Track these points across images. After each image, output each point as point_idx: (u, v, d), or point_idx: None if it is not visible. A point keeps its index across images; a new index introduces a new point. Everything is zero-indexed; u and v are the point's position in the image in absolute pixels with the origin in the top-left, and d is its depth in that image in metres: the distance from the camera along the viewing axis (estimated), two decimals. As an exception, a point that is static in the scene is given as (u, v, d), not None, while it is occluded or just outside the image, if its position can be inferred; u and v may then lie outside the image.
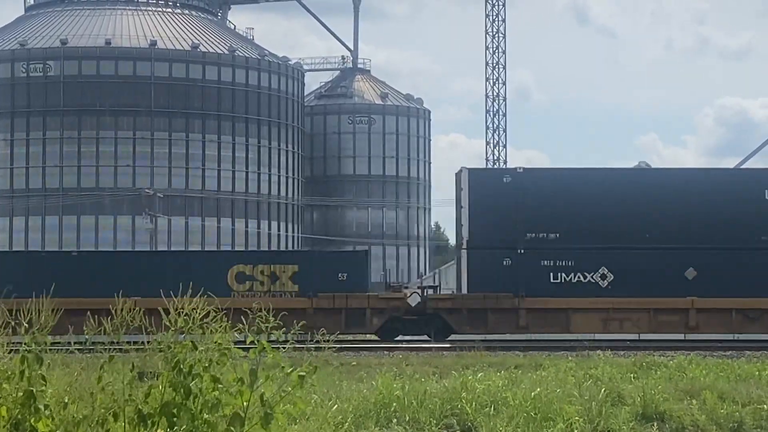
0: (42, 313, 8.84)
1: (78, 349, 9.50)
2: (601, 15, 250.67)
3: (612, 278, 36.48)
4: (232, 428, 8.46)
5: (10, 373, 8.57)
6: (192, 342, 8.58)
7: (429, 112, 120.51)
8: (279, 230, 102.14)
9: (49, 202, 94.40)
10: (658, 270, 36.41)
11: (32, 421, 8.60)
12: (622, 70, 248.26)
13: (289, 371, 8.67)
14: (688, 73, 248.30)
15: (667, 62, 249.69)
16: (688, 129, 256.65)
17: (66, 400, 8.67)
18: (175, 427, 8.61)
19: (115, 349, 8.89)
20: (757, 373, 24.04)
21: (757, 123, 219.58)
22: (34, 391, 8.58)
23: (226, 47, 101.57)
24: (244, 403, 8.56)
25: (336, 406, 18.12)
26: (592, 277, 36.45)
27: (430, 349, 31.90)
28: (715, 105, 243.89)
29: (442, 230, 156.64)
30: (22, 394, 8.57)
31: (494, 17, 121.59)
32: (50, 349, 9.02)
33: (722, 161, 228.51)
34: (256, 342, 8.80)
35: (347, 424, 17.24)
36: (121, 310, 8.77)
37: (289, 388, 8.66)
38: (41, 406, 8.61)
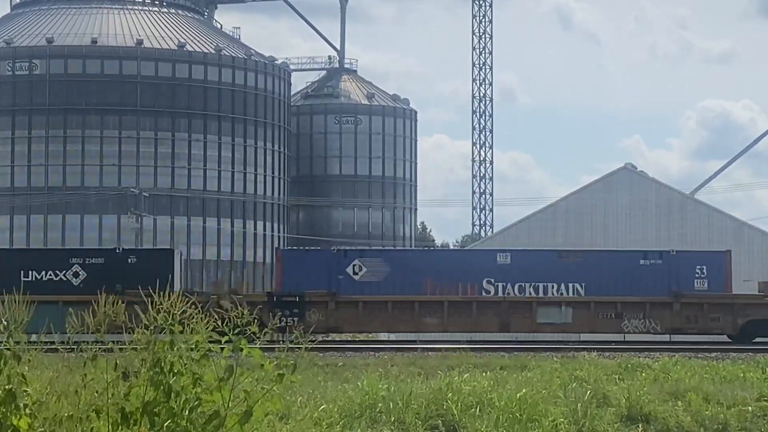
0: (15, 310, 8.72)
1: (62, 349, 9.38)
2: (586, 20, 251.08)
3: None
4: (211, 426, 8.37)
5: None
6: (172, 340, 8.48)
7: (415, 112, 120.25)
8: (265, 230, 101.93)
9: (34, 201, 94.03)
10: None
11: (13, 419, 8.49)
12: (606, 74, 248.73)
13: (269, 368, 8.55)
14: (671, 77, 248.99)
15: (651, 66, 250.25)
16: (672, 131, 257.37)
17: (51, 398, 8.56)
18: (157, 426, 8.52)
19: (99, 348, 8.78)
20: (741, 374, 24.05)
21: (740, 125, 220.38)
22: (14, 389, 8.47)
23: (213, 46, 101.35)
24: (222, 401, 8.46)
25: (322, 406, 18.04)
26: None
27: (415, 349, 31.81)
28: (698, 108, 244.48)
29: (428, 230, 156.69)
30: (2, 392, 8.46)
31: (481, 18, 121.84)
32: (34, 348, 8.91)
33: (706, 163, 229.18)
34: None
35: (338, 427, 17.15)
36: (104, 306, 8.67)
37: (269, 386, 8.55)
38: (21, 404, 8.50)
